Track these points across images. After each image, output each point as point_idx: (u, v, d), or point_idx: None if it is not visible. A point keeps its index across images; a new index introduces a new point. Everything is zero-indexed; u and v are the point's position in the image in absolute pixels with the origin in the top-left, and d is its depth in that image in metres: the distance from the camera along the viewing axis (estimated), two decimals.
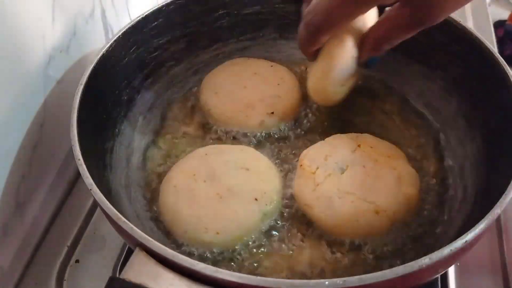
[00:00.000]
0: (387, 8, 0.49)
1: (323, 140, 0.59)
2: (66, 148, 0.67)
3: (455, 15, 0.59)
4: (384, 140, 0.59)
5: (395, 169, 0.54)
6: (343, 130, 0.61)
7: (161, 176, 0.59)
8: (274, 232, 0.53)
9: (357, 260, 0.51)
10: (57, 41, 0.61)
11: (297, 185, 0.55)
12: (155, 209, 0.56)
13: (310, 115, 0.64)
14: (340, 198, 0.52)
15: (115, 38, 0.60)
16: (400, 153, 0.57)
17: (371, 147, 0.56)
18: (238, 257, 0.51)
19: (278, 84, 0.66)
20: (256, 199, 0.53)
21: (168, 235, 0.53)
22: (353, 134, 0.59)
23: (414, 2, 0.44)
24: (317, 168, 0.55)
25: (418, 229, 0.53)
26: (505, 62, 0.54)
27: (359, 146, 0.56)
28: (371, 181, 0.53)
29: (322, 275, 0.50)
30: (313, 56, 0.54)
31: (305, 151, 0.58)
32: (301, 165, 0.56)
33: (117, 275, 0.56)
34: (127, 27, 0.61)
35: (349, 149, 0.56)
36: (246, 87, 0.65)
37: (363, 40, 0.50)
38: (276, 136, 0.62)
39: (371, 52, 0.50)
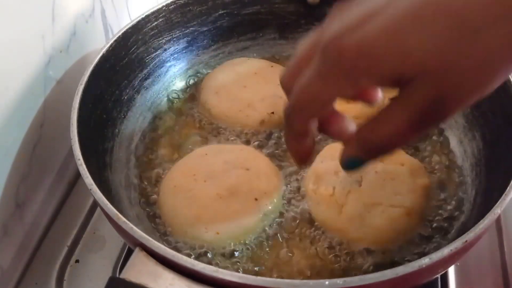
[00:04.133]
0: None
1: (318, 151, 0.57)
2: (66, 148, 0.67)
3: None
4: None
5: (403, 165, 0.54)
6: None
7: (161, 176, 0.59)
8: (274, 232, 0.53)
9: (356, 260, 0.51)
10: (57, 41, 0.61)
11: (320, 212, 0.52)
12: (155, 209, 0.56)
13: None
14: (370, 212, 0.50)
15: (115, 38, 0.60)
16: (403, 152, 0.57)
17: None
18: (238, 256, 0.51)
19: (278, 84, 0.65)
20: (256, 199, 0.53)
21: (168, 235, 0.53)
22: None
23: (421, 95, 0.31)
24: (334, 188, 0.52)
25: (417, 229, 0.53)
26: None
27: None
28: (389, 185, 0.52)
29: (322, 275, 0.50)
30: (300, 160, 0.41)
31: (309, 174, 0.55)
32: (314, 192, 0.53)
33: (117, 275, 0.56)
34: (127, 27, 0.61)
35: None
36: (246, 87, 0.65)
37: (350, 136, 0.38)
38: (276, 136, 0.62)
39: (351, 153, 0.37)
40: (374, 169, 0.53)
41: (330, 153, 0.56)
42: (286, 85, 0.38)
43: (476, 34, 0.28)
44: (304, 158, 0.41)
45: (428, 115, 0.31)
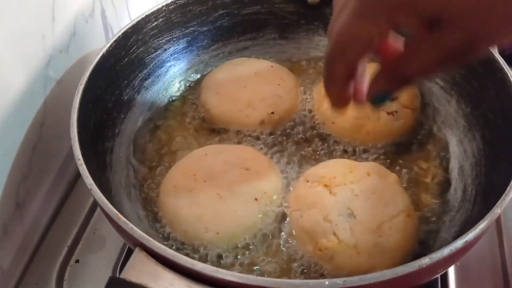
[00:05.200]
0: None
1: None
2: (66, 148, 0.67)
3: None
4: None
5: (369, 174, 0.53)
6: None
7: (161, 176, 0.59)
8: (273, 232, 0.53)
9: None
10: (57, 41, 0.61)
11: (340, 265, 0.48)
12: (155, 209, 0.56)
13: (309, 114, 0.64)
14: (381, 236, 0.48)
15: (115, 38, 0.60)
16: (355, 163, 0.56)
17: (335, 177, 0.53)
18: (238, 256, 0.51)
19: (278, 84, 0.66)
20: (256, 199, 0.53)
21: (168, 235, 0.53)
22: (304, 178, 0.55)
23: (455, 24, 0.31)
24: (334, 234, 0.49)
25: (418, 229, 0.53)
26: (505, 62, 0.54)
27: (325, 186, 0.52)
28: (376, 200, 0.51)
29: (322, 275, 0.50)
30: (337, 104, 0.41)
31: (298, 234, 0.52)
32: (319, 250, 0.49)
33: (117, 275, 0.56)
34: (127, 27, 0.61)
35: (325, 194, 0.52)
36: (246, 87, 0.65)
37: (377, 72, 0.38)
38: (276, 136, 0.62)
39: (380, 86, 0.38)
40: (353, 192, 0.51)
41: (303, 201, 0.53)
42: (330, 32, 0.37)
43: None
44: (343, 103, 0.40)
45: (456, 55, 0.32)
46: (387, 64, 0.37)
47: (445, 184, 0.57)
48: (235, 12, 0.70)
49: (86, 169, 0.46)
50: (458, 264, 0.57)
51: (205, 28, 0.70)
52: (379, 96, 0.38)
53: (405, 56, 0.35)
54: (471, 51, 0.33)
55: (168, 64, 0.69)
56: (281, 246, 0.52)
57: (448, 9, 0.31)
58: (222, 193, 0.53)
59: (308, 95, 0.67)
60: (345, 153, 0.60)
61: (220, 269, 0.38)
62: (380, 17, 0.33)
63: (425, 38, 0.33)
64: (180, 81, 0.70)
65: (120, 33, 0.60)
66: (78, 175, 0.68)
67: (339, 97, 0.40)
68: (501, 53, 0.55)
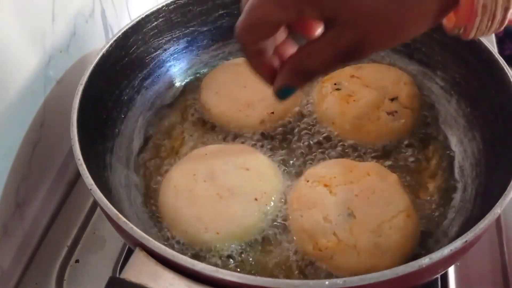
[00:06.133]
0: None
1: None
2: (66, 148, 0.67)
3: None
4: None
5: (369, 174, 0.53)
6: None
7: (161, 176, 0.59)
8: (274, 232, 0.53)
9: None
10: (57, 41, 0.61)
11: (340, 265, 0.48)
12: (155, 209, 0.56)
13: (309, 114, 0.64)
14: (380, 235, 0.48)
15: (115, 38, 0.60)
16: (355, 163, 0.56)
17: (335, 177, 0.53)
18: (238, 257, 0.51)
19: None
20: (256, 199, 0.53)
21: (168, 235, 0.53)
22: (304, 178, 0.55)
23: (357, 24, 0.36)
24: (335, 234, 0.49)
25: (418, 229, 0.53)
26: (505, 62, 0.54)
27: (326, 186, 0.52)
28: (375, 200, 0.51)
29: (322, 275, 0.50)
30: (267, 78, 0.45)
31: (298, 236, 0.51)
32: (319, 249, 0.49)
33: (117, 275, 0.56)
34: (127, 27, 0.61)
35: (325, 194, 0.52)
36: (246, 87, 0.65)
37: (281, 66, 0.42)
38: (276, 136, 0.62)
39: (284, 81, 0.42)
40: (353, 192, 0.51)
41: (303, 201, 0.53)
42: (242, 5, 0.40)
43: None
44: (270, 76, 0.44)
45: (348, 55, 0.37)
46: (291, 59, 0.41)
47: (445, 184, 0.57)
48: (235, 12, 0.70)
49: (86, 169, 0.46)
50: (458, 264, 0.57)
51: (205, 28, 0.70)
52: (284, 91, 0.43)
53: (304, 52, 0.39)
54: (360, 53, 0.37)
55: (168, 64, 0.69)
56: (281, 246, 0.52)
57: (344, 11, 0.36)
58: (222, 193, 0.53)
59: (308, 95, 0.67)
60: (345, 153, 0.60)
61: (220, 269, 0.38)
62: (290, 6, 0.37)
63: (323, 35, 0.38)
64: (180, 81, 0.70)
65: (120, 33, 0.60)
66: (78, 175, 0.68)
67: (263, 71, 0.45)
68: (501, 53, 0.55)
